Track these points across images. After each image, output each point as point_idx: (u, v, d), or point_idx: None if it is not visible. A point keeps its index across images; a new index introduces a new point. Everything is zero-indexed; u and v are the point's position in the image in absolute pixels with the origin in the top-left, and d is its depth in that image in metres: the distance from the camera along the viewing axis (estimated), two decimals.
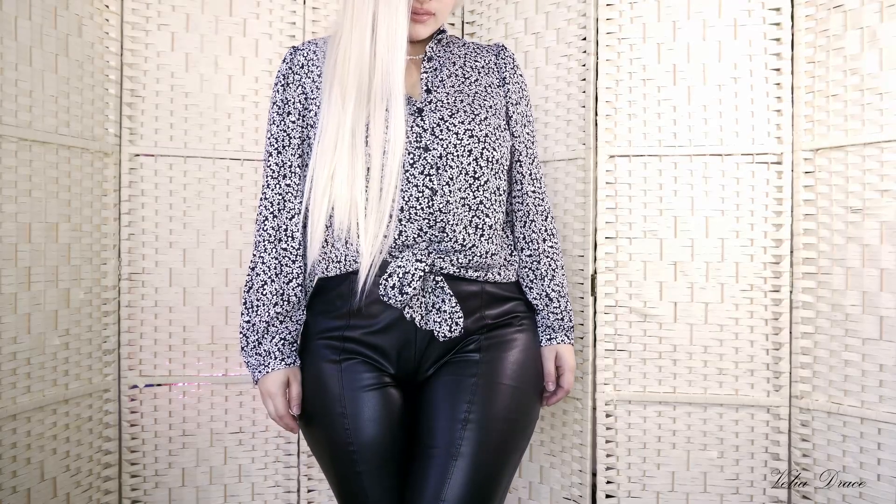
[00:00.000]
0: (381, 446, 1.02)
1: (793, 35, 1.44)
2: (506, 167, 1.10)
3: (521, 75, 1.16)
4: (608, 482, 1.54)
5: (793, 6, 1.44)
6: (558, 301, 1.15)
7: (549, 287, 1.15)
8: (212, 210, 1.62)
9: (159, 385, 1.60)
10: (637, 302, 1.53)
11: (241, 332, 1.08)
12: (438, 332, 1.02)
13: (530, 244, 1.16)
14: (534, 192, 1.17)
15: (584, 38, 1.55)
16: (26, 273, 1.36)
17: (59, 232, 1.44)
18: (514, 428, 1.03)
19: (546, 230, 1.17)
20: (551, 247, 1.17)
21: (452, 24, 1.74)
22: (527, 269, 1.15)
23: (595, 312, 1.53)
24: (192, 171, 1.61)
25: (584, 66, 1.55)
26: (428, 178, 1.01)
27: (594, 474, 1.55)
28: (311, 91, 1.07)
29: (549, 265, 1.16)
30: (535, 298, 1.15)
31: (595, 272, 1.54)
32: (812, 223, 1.43)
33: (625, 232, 1.53)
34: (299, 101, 1.07)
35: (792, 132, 1.45)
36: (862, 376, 1.36)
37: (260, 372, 1.06)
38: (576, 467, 1.56)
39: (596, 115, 1.53)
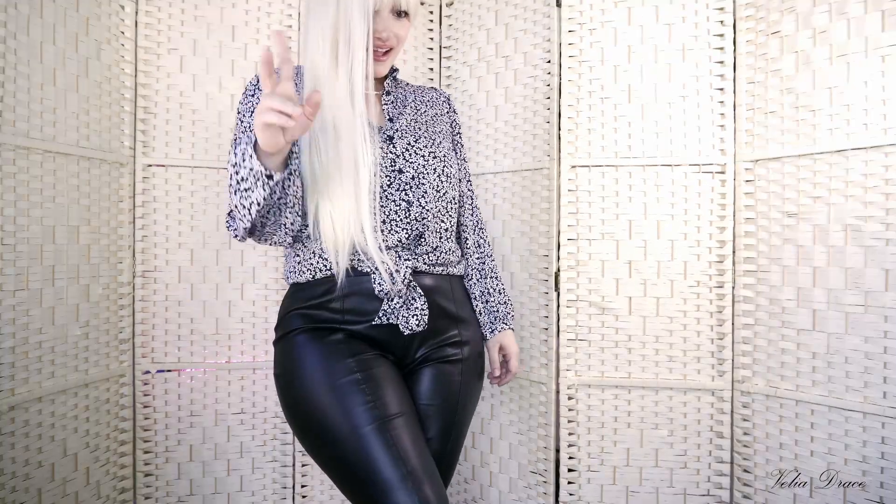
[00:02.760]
0: (402, 400, 1.00)
1: (735, 58, 1.50)
2: (457, 181, 1.20)
3: (455, 112, 1.29)
4: (570, 458, 1.60)
5: (735, 32, 1.49)
6: (497, 295, 1.27)
7: (490, 285, 1.26)
8: (216, 215, 1.66)
9: (169, 371, 1.64)
10: (596, 296, 1.58)
11: (230, 174, 0.91)
12: (405, 326, 1.06)
13: (478, 248, 1.28)
14: (473, 206, 1.29)
15: (549, 61, 1.60)
16: (51, 271, 1.41)
17: (80, 234, 1.48)
18: (467, 410, 1.17)
19: (484, 238, 1.30)
20: (488, 252, 1.30)
21: (431, 49, 1.79)
22: (474, 270, 1.26)
23: (558, 306, 1.59)
24: (199, 179, 1.65)
25: (548, 85, 1.60)
26: (404, 192, 1.09)
27: (558, 451, 1.60)
28: None
29: (491, 266, 1.28)
30: (480, 294, 1.25)
31: (558, 270, 1.59)
32: (752, 226, 1.48)
33: (585, 234, 1.58)
34: None
35: (734, 145, 1.50)
36: (797, 363, 1.42)
37: (250, 137, 0.89)
38: (541, 444, 1.62)
39: (559, 129, 1.58)
